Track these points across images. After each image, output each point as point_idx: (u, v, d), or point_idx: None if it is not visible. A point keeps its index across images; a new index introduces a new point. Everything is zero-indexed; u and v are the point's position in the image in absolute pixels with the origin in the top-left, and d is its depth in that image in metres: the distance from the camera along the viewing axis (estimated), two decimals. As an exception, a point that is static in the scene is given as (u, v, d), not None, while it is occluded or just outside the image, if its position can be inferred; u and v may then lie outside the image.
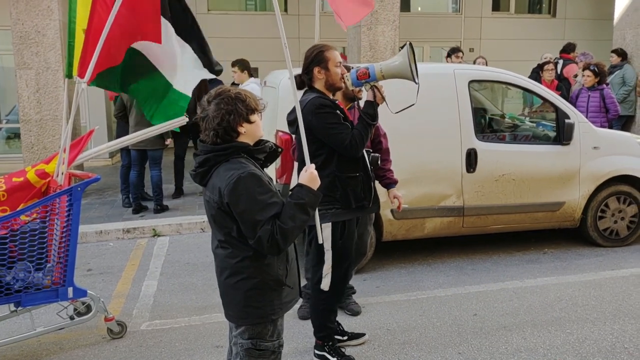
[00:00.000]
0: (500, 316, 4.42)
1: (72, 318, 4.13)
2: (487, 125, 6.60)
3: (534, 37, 14.44)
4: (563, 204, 5.76)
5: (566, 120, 5.63)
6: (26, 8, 7.81)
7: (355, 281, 4.72)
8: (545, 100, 5.86)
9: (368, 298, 4.79)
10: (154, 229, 6.79)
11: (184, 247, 6.37)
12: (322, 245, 3.48)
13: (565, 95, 8.05)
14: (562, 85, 8.92)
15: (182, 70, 4.23)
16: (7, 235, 3.66)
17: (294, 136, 4.07)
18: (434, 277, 5.29)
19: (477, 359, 3.80)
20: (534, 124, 6.53)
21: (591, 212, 5.86)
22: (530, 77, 8.47)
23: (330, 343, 3.81)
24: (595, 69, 7.62)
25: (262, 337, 2.58)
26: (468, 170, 5.44)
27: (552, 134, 5.87)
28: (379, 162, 3.97)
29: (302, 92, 3.68)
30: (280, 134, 4.96)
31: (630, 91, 8.98)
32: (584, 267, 5.44)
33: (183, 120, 4.33)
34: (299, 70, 3.69)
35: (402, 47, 3.54)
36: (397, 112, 3.74)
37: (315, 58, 3.62)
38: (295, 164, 4.20)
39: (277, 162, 4.89)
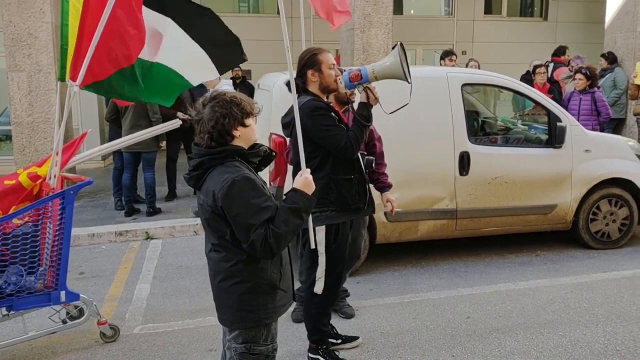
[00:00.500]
0: (493, 319, 4.44)
1: (64, 322, 4.11)
2: (479, 128, 6.63)
3: (525, 40, 14.54)
4: (555, 207, 5.79)
5: (558, 124, 5.66)
6: (18, 10, 7.76)
7: (348, 284, 4.71)
8: (537, 103, 5.89)
9: (362, 301, 4.79)
10: (146, 232, 6.76)
11: (177, 250, 6.35)
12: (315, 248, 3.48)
13: (557, 99, 8.09)
14: (554, 88, 8.97)
15: (186, 56, 4.05)
16: (-1, 238, 3.65)
17: (288, 139, 4.07)
18: (427, 279, 5.30)
19: (471, 361, 3.81)
20: (526, 127, 6.56)
21: (583, 214, 5.89)
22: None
23: (324, 346, 3.81)
24: (587, 72, 7.67)
25: (256, 341, 2.57)
26: (461, 173, 5.45)
27: (544, 137, 5.90)
28: (374, 165, 3.98)
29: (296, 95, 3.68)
30: (274, 136, 4.96)
31: (621, 94, 9.05)
32: (576, 270, 5.47)
33: (176, 123, 4.33)
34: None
35: (393, 48, 3.55)
36: (391, 113, 3.74)
37: (309, 61, 3.64)
38: (290, 167, 4.19)
39: (271, 165, 4.88)
